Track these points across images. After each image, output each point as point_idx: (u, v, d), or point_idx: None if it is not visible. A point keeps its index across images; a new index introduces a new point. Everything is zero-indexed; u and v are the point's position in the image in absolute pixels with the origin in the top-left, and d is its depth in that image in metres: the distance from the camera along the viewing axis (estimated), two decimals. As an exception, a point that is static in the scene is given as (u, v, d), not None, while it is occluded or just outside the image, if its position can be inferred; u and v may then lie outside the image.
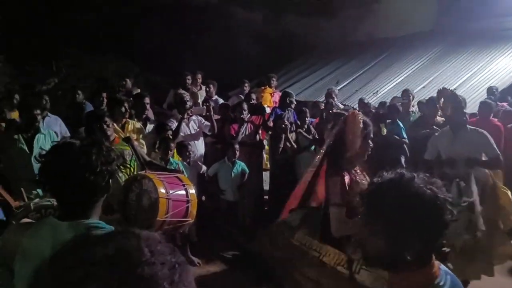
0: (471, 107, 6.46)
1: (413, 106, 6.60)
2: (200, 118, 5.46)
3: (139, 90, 6.64)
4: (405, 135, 5.64)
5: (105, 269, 0.69)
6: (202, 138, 5.52)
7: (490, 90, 6.87)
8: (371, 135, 2.74)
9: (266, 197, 6.10)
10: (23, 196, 3.20)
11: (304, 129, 5.84)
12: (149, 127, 5.18)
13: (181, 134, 5.12)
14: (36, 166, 3.81)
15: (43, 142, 4.01)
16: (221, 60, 10.37)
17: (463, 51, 9.22)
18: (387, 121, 5.72)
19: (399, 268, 1.38)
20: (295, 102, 6.40)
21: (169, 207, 3.06)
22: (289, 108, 6.14)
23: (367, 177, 2.87)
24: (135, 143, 4.10)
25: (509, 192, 4.14)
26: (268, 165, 6.23)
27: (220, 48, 11.41)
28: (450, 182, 3.77)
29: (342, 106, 7.23)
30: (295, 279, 2.87)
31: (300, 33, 12.33)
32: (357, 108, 6.74)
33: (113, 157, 1.60)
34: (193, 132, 5.33)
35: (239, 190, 5.11)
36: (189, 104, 5.32)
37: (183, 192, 3.24)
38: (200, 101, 7.04)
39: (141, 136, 4.83)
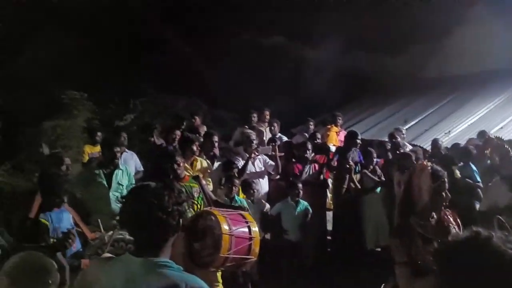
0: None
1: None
2: (265, 157, 5.56)
3: (205, 128, 6.92)
4: (479, 179, 5.31)
5: None
6: (267, 176, 5.60)
7: None
8: (446, 187, 2.57)
9: (329, 237, 5.98)
10: (100, 228, 3.43)
11: (369, 169, 5.72)
12: (216, 164, 5.38)
13: (246, 172, 5.25)
14: (113, 199, 4.12)
15: (120, 178, 4.32)
16: (287, 98, 10.55)
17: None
18: (460, 163, 5.44)
19: None
20: (360, 142, 6.31)
21: (232, 244, 3.11)
22: (354, 148, 6.06)
23: (458, 221, 2.73)
24: (203, 181, 4.28)
25: None
26: (332, 205, 6.14)
27: (286, 86, 11.65)
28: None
29: (410, 147, 7.00)
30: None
31: (366, 70, 12.23)
32: (430, 149, 6.50)
33: (184, 198, 1.74)
34: (258, 170, 5.44)
35: (301, 230, 5.07)
36: (255, 143, 5.47)
37: (246, 229, 3.29)
38: (265, 137, 7.19)
39: (207, 173, 5.04)
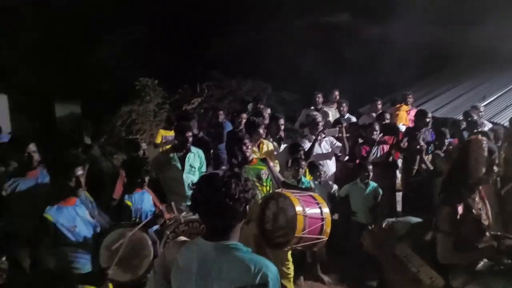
0: None
1: None
2: (332, 139, 5.52)
3: (269, 110, 6.98)
4: None
5: None
6: (334, 157, 5.56)
7: None
8: (497, 162, 2.67)
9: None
10: (174, 209, 3.65)
11: (442, 150, 5.46)
12: (282, 146, 5.44)
13: (313, 153, 5.25)
14: (186, 181, 4.34)
15: (192, 160, 4.53)
16: (354, 77, 10.27)
17: None
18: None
19: None
20: (431, 121, 6.01)
21: (306, 224, 3.17)
22: (425, 128, 5.80)
23: (487, 205, 2.78)
24: (271, 163, 4.37)
25: None
26: (401, 186, 5.97)
27: (353, 65, 11.32)
28: None
29: (489, 125, 6.54)
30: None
31: (441, 45, 11.47)
32: (509, 127, 6.03)
33: (250, 186, 1.84)
34: (324, 152, 5.42)
35: (370, 212, 5.00)
36: (321, 125, 5.43)
37: (318, 210, 3.33)
38: (331, 118, 7.11)
39: (274, 155, 5.12)
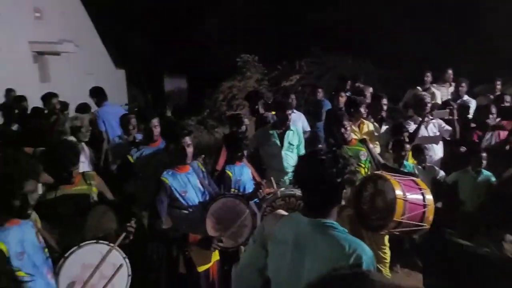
0: None
1: None
2: (440, 121, 5.12)
3: (371, 89, 6.68)
4: None
5: None
6: (442, 141, 5.17)
7: None
8: None
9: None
10: (273, 183, 3.76)
11: None
12: (384, 127, 5.21)
13: (418, 136, 4.95)
14: (285, 158, 4.42)
15: (291, 138, 4.59)
16: (468, 55, 9.35)
17: None
18: None
19: None
20: None
21: (405, 209, 3.05)
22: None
23: None
24: (371, 145, 4.23)
25: None
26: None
27: (468, 41, 10.28)
28: None
29: None
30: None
31: None
32: None
33: (349, 168, 1.81)
34: (431, 135, 5.07)
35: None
36: (429, 106, 5.07)
37: (420, 196, 3.18)
38: (442, 99, 6.58)
39: (375, 136, 4.93)
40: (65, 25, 11.33)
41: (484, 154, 4.54)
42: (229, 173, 3.76)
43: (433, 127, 5.09)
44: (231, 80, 12.26)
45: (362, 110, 4.88)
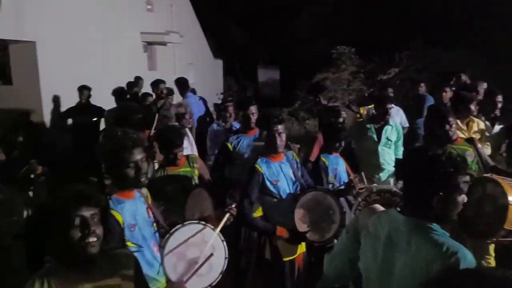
0: None
1: None
2: None
3: (485, 85, 6.10)
4: None
5: None
6: None
7: None
8: None
9: None
10: (363, 179, 3.64)
11: None
12: (497, 127, 4.74)
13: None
14: (381, 154, 4.28)
15: (389, 133, 4.41)
16: None
17: None
18: None
19: None
20: None
21: (518, 217, 2.79)
22: None
23: None
24: (479, 145, 3.89)
25: None
26: None
27: None
28: None
29: None
30: None
31: None
32: None
33: (458, 166, 1.70)
34: (553, 138, 4.49)
35: None
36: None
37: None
38: None
39: (486, 136, 4.52)
40: (172, 17, 12.08)
41: None
42: (324, 160, 3.74)
43: (556, 129, 4.51)
44: (324, 72, 12.06)
45: (472, 107, 4.48)
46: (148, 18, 11.06)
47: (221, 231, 2.43)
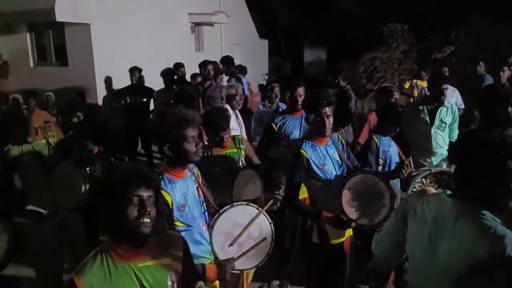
0: None
1: None
2: None
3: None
4: None
5: None
6: None
7: None
8: None
9: None
10: (411, 164, 3.49)
11: None
12: None
13: None
14: (434, 137, 4.09)
15: (444, 115, 4.18)
16: None
17: None
18: None
19: None
20: None
21: None
22: None
23: None
24: (543, 128, 3.61)
25: None
26: None
27: None
28: None
29: None
30: None
31: None
32: None
33: (510, 151, 1.54)
34: None
35: None
36: None
37: None
38: None
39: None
40: (219, -4, 12.08)
41: None
42: (376, 141, 3.63)
43: None
44: (374, 51, 11.60)
45: (535, 87, 4.17)
46: (195, -1, 11.12)
47: (267, 212, 2.44)
